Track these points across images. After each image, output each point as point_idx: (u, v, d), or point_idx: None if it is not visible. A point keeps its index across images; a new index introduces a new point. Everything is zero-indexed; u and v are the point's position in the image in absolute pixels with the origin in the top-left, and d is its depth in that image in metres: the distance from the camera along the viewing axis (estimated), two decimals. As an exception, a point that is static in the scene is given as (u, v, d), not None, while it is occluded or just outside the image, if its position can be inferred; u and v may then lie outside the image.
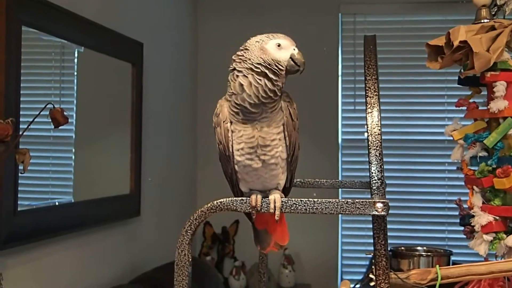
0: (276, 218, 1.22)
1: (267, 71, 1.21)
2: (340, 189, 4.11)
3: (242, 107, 1.23)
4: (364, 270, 4.03)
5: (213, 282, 3.51)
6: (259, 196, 1.23)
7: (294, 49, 1.25)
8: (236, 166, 1.29)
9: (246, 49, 1.25)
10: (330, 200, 1.17)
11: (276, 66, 1.22)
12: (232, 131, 1.26)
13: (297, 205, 1.19)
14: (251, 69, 1.22)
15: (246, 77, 1.22)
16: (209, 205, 1.21)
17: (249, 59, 1.23)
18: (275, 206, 1.21)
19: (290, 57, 1.24)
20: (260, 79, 1.21)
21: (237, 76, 1.23)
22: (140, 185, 3.23)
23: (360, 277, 3.41)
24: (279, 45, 1.24)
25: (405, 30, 4.29)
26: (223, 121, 1.27)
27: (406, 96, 4.28)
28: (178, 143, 4.05)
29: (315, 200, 1.17)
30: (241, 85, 1.22)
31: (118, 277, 2.99)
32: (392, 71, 4.23)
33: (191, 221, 1.20)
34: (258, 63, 1.22)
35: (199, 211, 1.21)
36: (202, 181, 4.33)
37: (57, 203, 2.55)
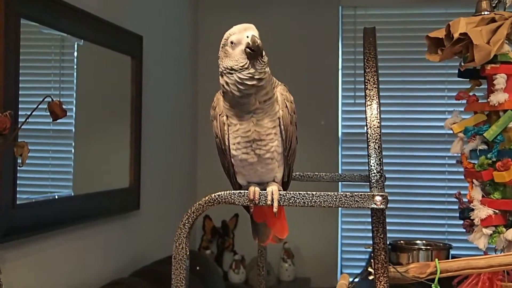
0: (274, 210, 1.21)
1: (234, 73, 1.20)
2: (340, 183, 4.11)
3: (235, 101, 1.23)
4: (364, 264, 4.03)
5: (212, 275, 3.51)
6: (257, 189, 1.22)
7: (247, 37, 1.21)
8: (232, 160, 1.29)
9: (218, 57, 1.25)
10: (329, 193, 1.16)
11: (237, 67, 1.20)
12: (228, 125, 1.26)
13: (296, 198, 1.18)
14: (223, 72, 1.23)
15: (223, 77, 1.23)
16: (207, 198, 1.21)
17: (220, 65, 1.24)
18: (272, 199, 1.20)
19: (246, 47, 1.20)
20: (232, 77, 1.21)
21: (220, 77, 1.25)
22: (139, 179, 3.22)
23: (360, 270, 3.40)
24: (232, 43, 1.22)
25: (405, 23, 4.29)
26: (219, 114, 1.27)
27: (406, 90, 4.28)
28: (178, 136, 4.04)
29: (314, 193, 1.17)
30: (223, 85, 1.23)
31: (118, 271, 3.00)
32: (392, 64, 4.23)
33: (189, 214, 1.19)
34: (225, 67, 1.22)
35: (197, 204, 1.20)
36: (202, 174, 4.33)
37: (56, 197, 2.55)
